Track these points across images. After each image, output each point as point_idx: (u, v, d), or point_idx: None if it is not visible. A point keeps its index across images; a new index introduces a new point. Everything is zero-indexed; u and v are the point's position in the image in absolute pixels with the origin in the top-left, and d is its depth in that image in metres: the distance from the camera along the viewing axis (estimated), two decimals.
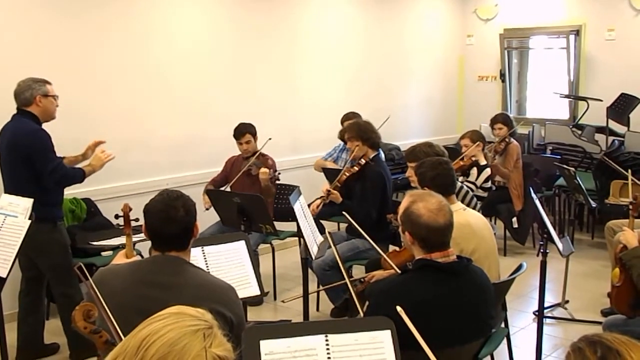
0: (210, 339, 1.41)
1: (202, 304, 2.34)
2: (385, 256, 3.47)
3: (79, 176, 4.26)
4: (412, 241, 2.71)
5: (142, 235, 3.50)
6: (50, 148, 4.10)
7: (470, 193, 4.36)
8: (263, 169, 5.33)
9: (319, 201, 4.94)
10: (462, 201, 4.16)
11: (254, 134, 5.53)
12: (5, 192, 3.98)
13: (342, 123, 6.11)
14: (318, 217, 4.85)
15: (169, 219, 2.42)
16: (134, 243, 3.47)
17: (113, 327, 2.03)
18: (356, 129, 4.94)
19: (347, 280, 3.28)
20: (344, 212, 4.45)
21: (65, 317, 4.30)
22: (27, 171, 4.07)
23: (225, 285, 2.52)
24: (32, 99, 4.09)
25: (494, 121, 6.72)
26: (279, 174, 5.37)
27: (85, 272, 2.23)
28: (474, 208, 4.11)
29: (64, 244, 4.31)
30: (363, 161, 4.91)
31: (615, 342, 1.46)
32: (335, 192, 4.78)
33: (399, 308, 2.11)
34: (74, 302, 4.22)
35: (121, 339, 1.97)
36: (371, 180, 4.85)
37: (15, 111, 4.17)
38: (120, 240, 4.86)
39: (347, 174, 4.89)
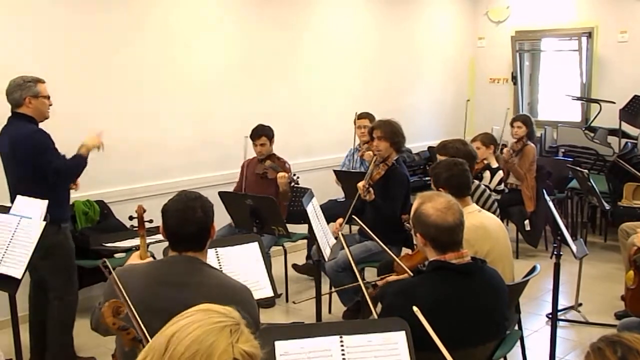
0: (236, 335, 1.43)
1: (218, 304, 2.36)
2: (397, 260, 3.45)
3: (82, 161, 4.16)
4: (424, 242, 2.71)
5: (155, 237, 3.50)
6: (50, 147, 4.03)
7: (488, 192, 4.32)
8: (281, 173, 5.33)
9: (341, 220, 4.91)
10: (479, 201, 4.15)
11: (270, 137, 5.55)
12: (11, 195, 3.96)
13: (355, 122, 6.13)
14: (328, 216, 4.84)
15: (187, 220, 2.44)
16: (148, 244, 3.47)
17: (137, 324, 2.04)
18: (390, 131, 4.88)
19: (360, 281, 3.27)
20: (354, 216, 4.45)
21: (54, 322, 4.21)
22: (30, 173, 4.02)
23: (241, 286, 2.52)
24: (22, 100, 4.00)
25: (514, 119, 6.74)
26: (298, 177, 5.35)
27: (110, 267, 2.24)
28: (493, 209, 4.09)
29: (68, 247, 4.22)
30: (390, 162, 4.89)
31: (635, 342, 1.45)
32: (371, 189, 4.75)
33: (415, 308, 2.11)
34: (69, 309, 4.19)
35: (146, 336, 1.99)
36: (398, 180, 4.85)
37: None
38: (133, 242, 4.87)
39: (378, 175, 4.87)
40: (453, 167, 3.62)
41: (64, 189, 4.21)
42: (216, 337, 1.41)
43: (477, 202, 4.13)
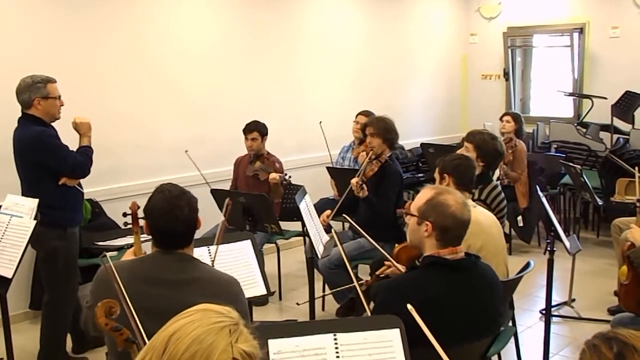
0: (236, 335, 1.43)
1: (204, 299, 2.34)
2: (391, 259, 3.42)
3: (90, 151, 4.14)
4: (430, 233, 2.66)
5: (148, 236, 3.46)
6: (58, 146, 4.00)
7: (503, 197, 4.28)
8: (272, 175, 5.33)
9: (328, 212, 4.91)
10: (493, 202, 4.15)
11: (262, 134, 5.54)
12: (23, 195, 3.93)
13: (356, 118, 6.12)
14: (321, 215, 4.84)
15: (175, 219, 2.39)
16: (143, 242, 3.44)
17: (135, 324, 2.02)
18: (382, 127, 4.88)
19: (354, 280, 3.25)
20: (344, 215, 4.45)
21: (46, 328, 4.17)
22: (38, 174, 4.00)
23: (229, 278, 2.49)
24: (31, 101, 3.95)
25: (504, 114, 6.80)
26: (290, 177, 5.34)
27: (111, 263, 2.22)
28: (501, 215, 4.09)
29: (70, 253, 4.15)
30: (383, 159, 4.89)
31: (631, 337, 1.45)
32: (364, 186, 4.74)
33: (409, 306, 2.10)
34: (63, 314, 4.14)
35: (142, 336, 1.97)
36: (391, 177, 4.86)
37: (19, 112, 4.07)
38: (126, 240, 4.85)
39: (371, 171, 4.86)
40: (463, 159, 3.74)
41: (74, 192, 4.16)
42: (215, 337, 1.41)
43: (491, 203, 4.13)
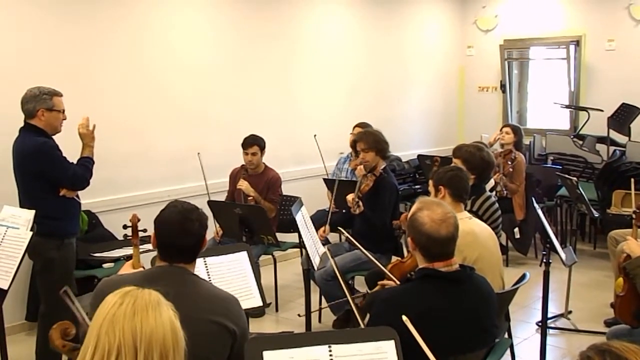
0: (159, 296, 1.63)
1: (204, 316, 2.34)
2: (386, 271, 3.43)
3: (90, 164, 4.15)
4: (414, 247, 2.71)
5: (148, 246, 3.48)
6: (59, 158, 4.01)
7: (497, 207, 4.29)
8: (241, 181, 5.41)
9: (323, 228, 4.92)
10: (486, 213, 4.15)
11: (262, 148, 5.55)
12: (21, 206, 3.95)
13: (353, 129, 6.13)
14: (319, 227, 4.83)
15: (186, 232, 2.43)
16: (141, 253, 3.43)
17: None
18: (372, 140, 4.91)
19: (347, 294, 3.26)
20: (339, 228, 4.46)
21: (42, 339, 4.11)
22: (37, 185, 4.00)
23: (228, 296, 2.50)
24: (35, 112, 3.97)
25: (504, 126, 6.85)
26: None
27: (70, 296, 2.23)
28: (495, 225, 4.09)
29: (66, 264, 4.14)
30: (378, 172, 4.90)
31: (624, 350, 1.45)
32: (360, 202, 4.75)
33: (404, 318, 2.10)
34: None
35: None
36: (387, 190, 4.87)
37: (17, 123, 4.09)
38: (122, 252, 4.86)
39: (367, 186, 4.87)
40: (458, 171, 3.77)
41: (72, 203, 4.16)
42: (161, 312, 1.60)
43: (483, 214, 4.14)
